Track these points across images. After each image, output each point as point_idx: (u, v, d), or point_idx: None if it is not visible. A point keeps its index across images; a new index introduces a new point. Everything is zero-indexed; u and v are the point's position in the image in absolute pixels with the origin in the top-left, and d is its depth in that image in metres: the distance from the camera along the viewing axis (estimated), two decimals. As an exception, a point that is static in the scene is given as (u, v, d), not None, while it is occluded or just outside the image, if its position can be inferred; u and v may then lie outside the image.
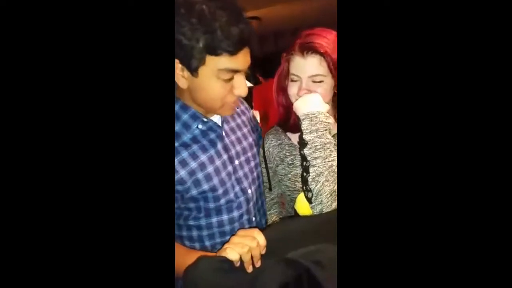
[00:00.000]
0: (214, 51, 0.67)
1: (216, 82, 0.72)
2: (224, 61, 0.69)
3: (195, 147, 0.81)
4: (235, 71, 0.72)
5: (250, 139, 0.97)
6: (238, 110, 0.99)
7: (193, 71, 0.71)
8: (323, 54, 0.83)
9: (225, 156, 0.86)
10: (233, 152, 0.88)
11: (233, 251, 0.60)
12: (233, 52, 0.68)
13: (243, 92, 0.76)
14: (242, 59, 0.72)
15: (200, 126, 0.82)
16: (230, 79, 0.73)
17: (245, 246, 0.60)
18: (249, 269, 0.61)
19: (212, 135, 0.85)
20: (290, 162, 0.97)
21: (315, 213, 0.79)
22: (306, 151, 0.80)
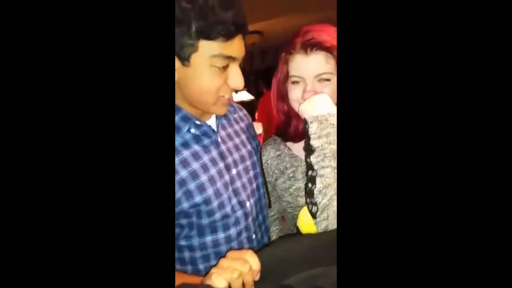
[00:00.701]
0: (208, 35, 0.63)
1: (210, 71, 0.67)
2: (218, 46, 0.65)
3: (186, 153, 0.74)
4: (230, 58, 0.67)
5: (249, 147, 0.90)
6: (235, 116, 0.93)
7: (185, 59, 0.66)
8: (329, 49, 0.76)
9: (221, 165, 0.78)
10: (230, 160, 0.81)
11: (219, 277, 0.51)
12: (228, 37, 0.64)
13: (239, 83, 0.71)
14: (237, 46, 0.67)
15: (192, 130, 0.76)
16: (225, 68, 0.68)
17: (235, 271, 0.52)
18: (240, 298, 0.53)
19: (206, 141, 0.78)
20: (291, 175, 0.89)
21: (319, 231, 0.70)
22: (313, 158, 0.72)
